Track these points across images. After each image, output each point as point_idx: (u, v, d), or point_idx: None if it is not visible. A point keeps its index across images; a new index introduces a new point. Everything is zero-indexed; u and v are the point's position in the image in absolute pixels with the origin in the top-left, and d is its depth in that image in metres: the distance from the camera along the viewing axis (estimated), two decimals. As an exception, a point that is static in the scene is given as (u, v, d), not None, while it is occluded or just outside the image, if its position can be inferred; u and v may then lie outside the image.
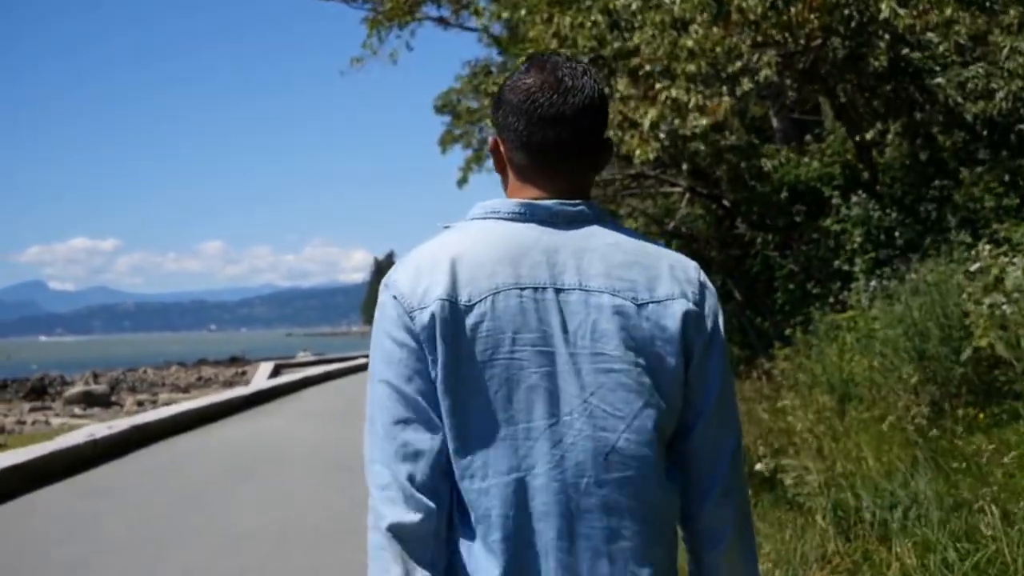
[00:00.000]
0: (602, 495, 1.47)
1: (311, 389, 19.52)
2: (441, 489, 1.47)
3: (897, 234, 8.71)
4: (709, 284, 1.58)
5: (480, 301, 1.47)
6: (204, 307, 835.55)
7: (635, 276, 1.51)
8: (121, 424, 10.40)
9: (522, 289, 1.48)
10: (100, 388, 23.87)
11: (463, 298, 1.47)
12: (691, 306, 1.52)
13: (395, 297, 1.51)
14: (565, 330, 1.47)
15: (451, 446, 1.48)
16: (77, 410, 20.51)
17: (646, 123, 7.91)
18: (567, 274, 1.49)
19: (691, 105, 8.06)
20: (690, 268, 1.57)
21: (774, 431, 6.31)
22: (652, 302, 1.50)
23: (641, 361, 1.48)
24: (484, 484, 1.47)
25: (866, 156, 9.44)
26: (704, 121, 8.03)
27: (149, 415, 11.66)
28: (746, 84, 8.48)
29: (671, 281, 1.52)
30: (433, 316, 1.46)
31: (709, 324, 1.54)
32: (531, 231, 1.51)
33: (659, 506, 1.51)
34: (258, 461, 9.32)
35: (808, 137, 11.29)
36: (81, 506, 7.43)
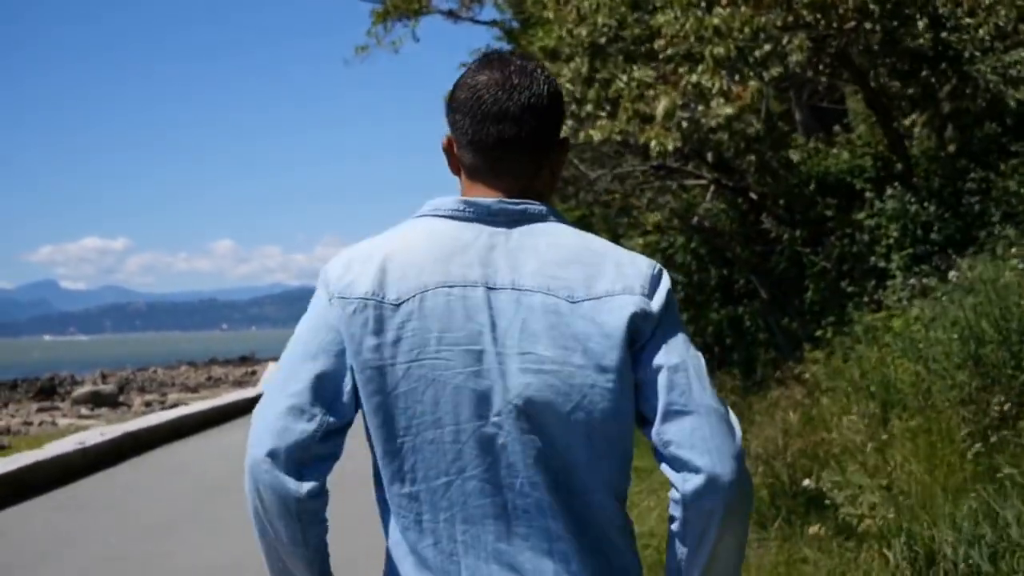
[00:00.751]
0: (536, 496, 1.43)
1: None
2: (311, 468, 1.44)
3: (935, 229, 8.16)
4: (665, 279, 1.52)
5: (408, 300, 1.45)
6: (215, 306, 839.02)
7: (572, 274, 1.47)
8: (114, 431, 9.87)
9: (451, 287, 1.45)
10: (108, 388, 23.78)
11: (391, 296, 1.45)
12: (636, 298, 1.46)
13: (323, 282, 1.51)
14: (494, 329, 1.44)
15: (377, 450, 1.47)
16: (84, 410, 20.34)
17: (659, 110, 7.37)
18: (500, 273, 1.46)
19: (715, 91, 7.52)
20: (642, 264, 1.52)
21: (813, 441, 5.77)
22: (589, 299, 1.45)
23: (574, 360, 1.43)
24: (413, 489, 1.45)
25: (899, 146, 8.88)
26: (729, 109, 7.49)
27: (146, 420, 11.15)
28: (774, 69, 7.93)
29: (615, 277, 1.48)
30: (355, 311, 1.45)
31: (657, 311, 1.47)
32: (469, 230, 1.49)
33: (597, 507, 1.46)
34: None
35: (837, 127, 10.73)
36: (62, 523, 6.91)
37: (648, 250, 11.77)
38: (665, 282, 1.53)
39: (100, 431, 9.71)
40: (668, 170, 8.80)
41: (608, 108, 8.33)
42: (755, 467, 5.64)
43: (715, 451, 1.43)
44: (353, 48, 14.50)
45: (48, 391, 26.25)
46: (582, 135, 7.99)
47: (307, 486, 1.44)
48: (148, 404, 21.59)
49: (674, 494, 1.46)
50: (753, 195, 9.01)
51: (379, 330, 1.45)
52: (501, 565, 1.44)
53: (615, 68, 8.23)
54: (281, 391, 1.47)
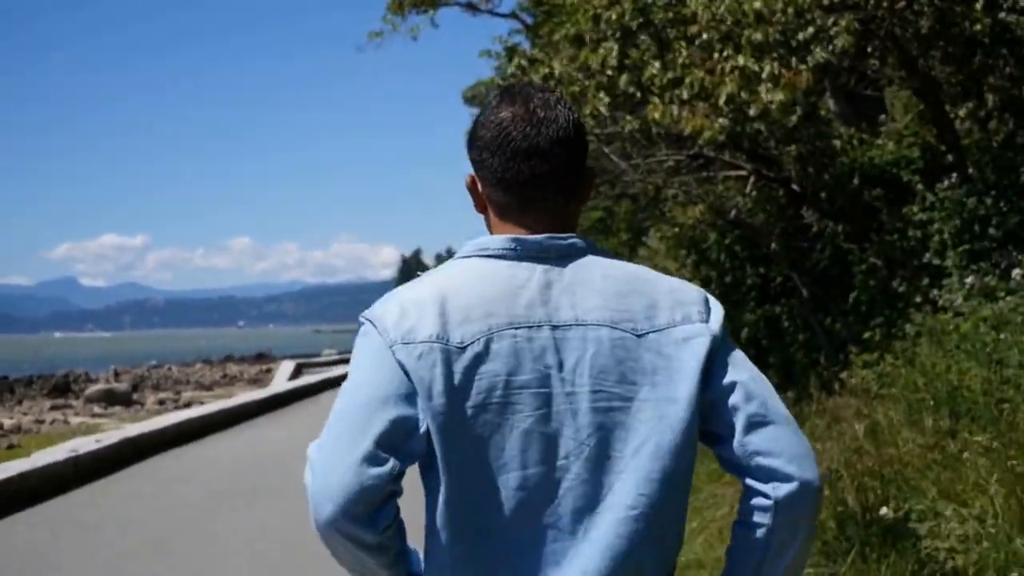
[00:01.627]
0: (601, 539, 1.41)
1: (330, 393, 18.50)
2: (384, 507, 1.41)
3: (994, 223, 7.59)
4: (713, 300, 1.56)
5: (473, 343, 1.42)
6: (233, 303, 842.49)
7: (632, 305, 1.47)
8: (111, 437, 9.25)
9: (517, 329, 1.43)
10: (122, 386, 23.78)
11: (455, 339, 1.42)
12: (697, 327, 1.48)
13: (379, 331, 1.45)
14: (562, 368, 1.43)
15: (436, 497, 1.43)
16: (97, 409, 20.32)
17: (722, 96, 6.83)
18: (563, 310, 1.45)
19: (764, 75, 6.98)
20: (691, 289, 1.55)
21: (880, 459, 5.22)
22: (653, 331, 1.46)
23: (643, 394, 1.44)
24: (475, 536, 1.41)
25: (950, 136, 8.31)
26: (780, 96, 6.93)
27: (147, 424, 10.52)
28: (819, 54, 7.38)
29: (671, 306, 1.49)
30: (422, 355, 1.41)
31: (719, 334, 1.49)
32: (523, 268, 1.47)
33: (663, 547, 1.46)
34: (262, 483, 8.20)
35: (883, 116, 10.16)
36: (46, 543, 6.30)
37: (679, 248, 11.22)
38: (716, 304, 1.55)
39: (96, 438, 9.03)
40: (705, 160, 8.23)
41: (639, 95, 7.83)
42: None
43: (802, 458, 1.46)
44: (367, 34, 13.99)
45: (63, 388, 26.36)
46: (627, 122, 7.48)
47: (382, 526, 1.42)
48: (162, 402, 21.75)
49: (763, 502, 1.46)
50: (796, 187, 8.45)
51: (447, 374, 1.40)
52: None
53: (647, 52, 7.72)
54: (352, 440, 1.41)
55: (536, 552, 1.42)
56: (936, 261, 7.61)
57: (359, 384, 1.45)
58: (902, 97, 10.90)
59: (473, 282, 1.47)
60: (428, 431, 1.41)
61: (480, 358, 1.42)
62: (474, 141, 1.56)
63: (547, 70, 8.02)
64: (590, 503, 1.42)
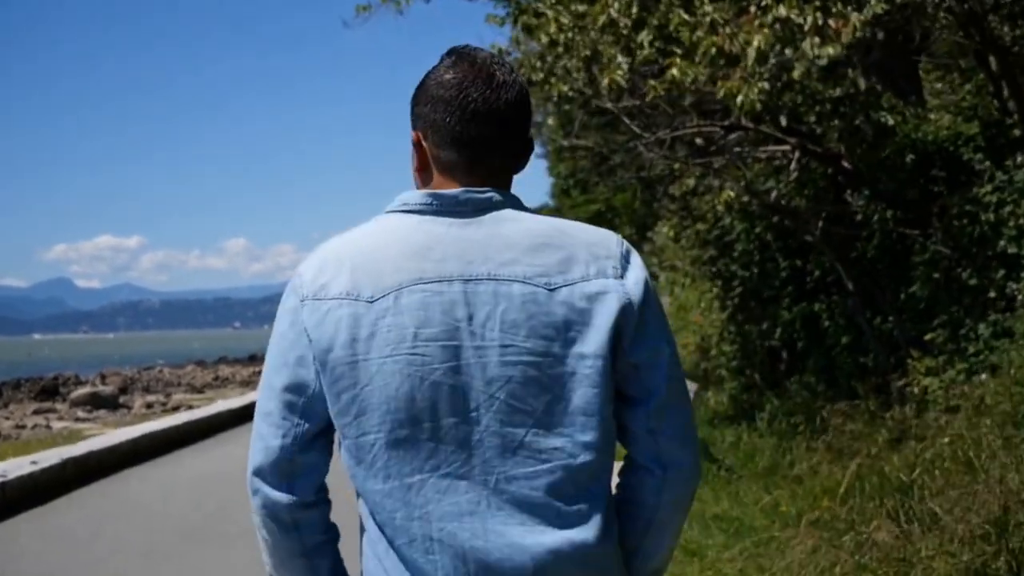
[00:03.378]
0: (512, 491, 1.43)
1: None
2: (299, 479, 1.49)
3: (1078, 206, 6.51)
4: (634, 255, 1.54)
5: (383, 297, 1.45)
6: (228, 304, 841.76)
7: (546, 259, 1.47)
8: (49, 457, 7.82)
9: (427, 283, 1.45)
10: (107, 389, 23.35)
11: (365, 294, 1.45)
12: (611, 282, 1.47)
13: (295, 285, 1.51)
14: (471, 322, 1.44)
15: (348, 447, 1.47)
16: (81, 413, 19.56)
17: (751, 53, 5.73)
18: (475, 264, 1.46)
19: (807, 27, 5.87)
20: (611, 242, 1.53)
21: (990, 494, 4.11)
22: (565, 285, 1.46)
23: (555, 349, 1.44)
24: (386, 486, 1.44)
25: (1021, 108, 7.21)
26: (831, 50, 5.83)
27: (98, 441, 9.10)
28: (876, 3, 6.26)
29: (587, 260, 1.49)
30: (328, 311, 1.45)
31: (638, 295, 1.49)
32: (438, 223, 1.49)
33: (576, 498, 1.45)
34: (220, 520, 6.89)
35: (940, 86, 9.04)
36: None
37: (699, 240, 10.08)
38: (637, 260, 1.54)
39: (32, 459, 7.51)
40: (742, 131, 7.09)
41: (660, 58, 6.74)
42: (939, 542, 3.88)
43: (692, 442, 1.55)
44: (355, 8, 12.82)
45: (50, 391, 25.59)
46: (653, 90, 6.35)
47: (296, 497, 1.49)
48: (150, 406, 21.07)
49: (650, 480, 1.53)
50: (847, 164, 7.31)
51: (354, 326, 1.44)
52: (478, 564, 1.42)
53: (670, 5, 6.61)
54: (259, 407, 1.52)
55: (450, 502, 1.42)
56: (1012, 249, 6.53)
57: (269, 348, 1.53)
58: (938, 74, 9.81)
59: (389, 238, 1.49)
60: (322, 390, 1.46)
61: (388, 311, 1.44)
62: (425, 99, 1.54)
63: (554, 28, 6.92)
64: (501, 455, 1.43)
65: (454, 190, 1.50)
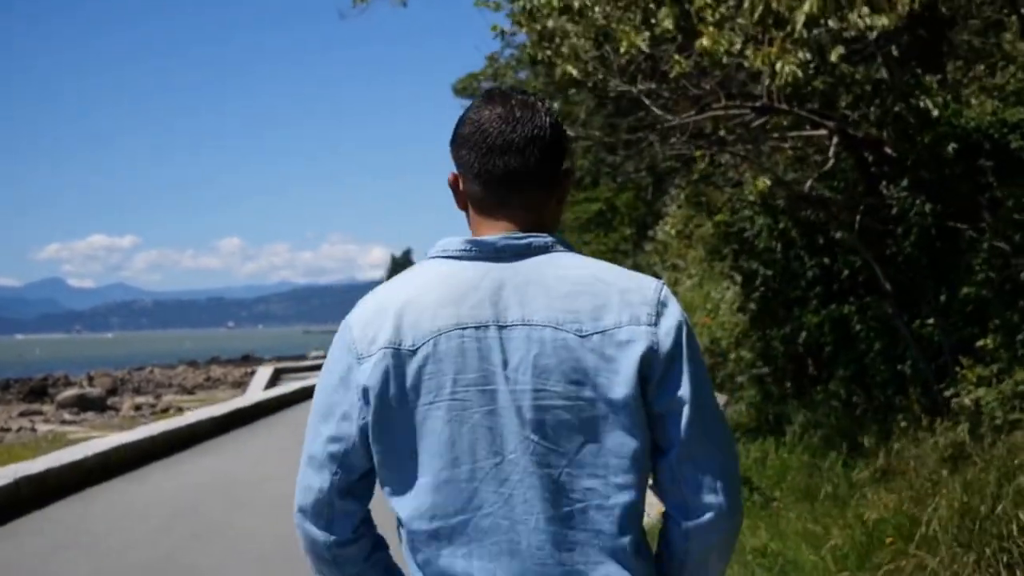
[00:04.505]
0: (551, 532, 1.47)
1: (305, 405, 16.32)
2: (337, 521, 1.56)
3: None
4: (672, 303, 1.55)
5: (423, 345, 1.49)
6: (222, 304, 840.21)
7: (580, 306, 1.50)
8: (2, 476, 6.95)
9: (463, 329, 1.48)
10: (95, 391, 23.24)
11: (407, 343, 1.50)
12: (642, 329, 1.49)
13: (348, 341, 1.56)
14: (506, 367, 1.48)
15: (393, 491, 1.52)
16: (68, 415, 19.41)
17: (799, 19, 5.02)
18: (510, 310, 1.50)
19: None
20: (647, 289, 1.54)
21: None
22: (596, 332, 1.49)
23: (585, 394, 1.47)
24: (431, 526, 1.48)
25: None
26: (884, 20, 5.13)
27: (60, 456, 8.24)
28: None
29: (620, 307, 1.50)
30: (376, 364, 1.50)
31: (668, 343, 1.50)
32: (476, 269, 1.53)
33: (614, 538, 1.49)
34: (197, 538, 6.14)
35: (982, 67, 8.33)
36: None
37: (719, 234, 9.34)
38: (674, 307, 1.54)
39: None
40: (776, 113, 6.35)
41: (681, 36, 6.04)
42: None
43: (724, 487, 1.52)
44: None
45: (39, 392, 25.85)
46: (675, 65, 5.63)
47: (335, 537, 1.57)
48: (139, 407, 20.76)
49: (677, 527, 1.54)
50: (891, 152, 6.58)
51: (399, 376, 1.49)
52: None
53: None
54: (307, 447, 1.58)
55: (492, 541, 1.47)
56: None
57: (317, 393, 1.60)
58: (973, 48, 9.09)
59: (429, 285, 1.54)
60: (366, 440, 1.52)
61: (429, 359, 1.48)
62: (455, 138, 1.60)
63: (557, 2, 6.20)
64: (538, 496, 1.46)
65: (492, 237, 1.53)
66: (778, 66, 5.33)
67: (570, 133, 9.41)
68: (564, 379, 1.46)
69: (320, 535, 1.55)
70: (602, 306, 1.49)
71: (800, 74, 5.20)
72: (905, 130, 6.68)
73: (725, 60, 5.63)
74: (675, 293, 8.90)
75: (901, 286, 7.17)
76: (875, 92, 6.52)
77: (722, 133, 6.87)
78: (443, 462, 1.47)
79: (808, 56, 5.38)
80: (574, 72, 6.54)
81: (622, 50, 5.72)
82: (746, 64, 5.55)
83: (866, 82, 6.39)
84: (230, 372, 34.84)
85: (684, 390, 1.49)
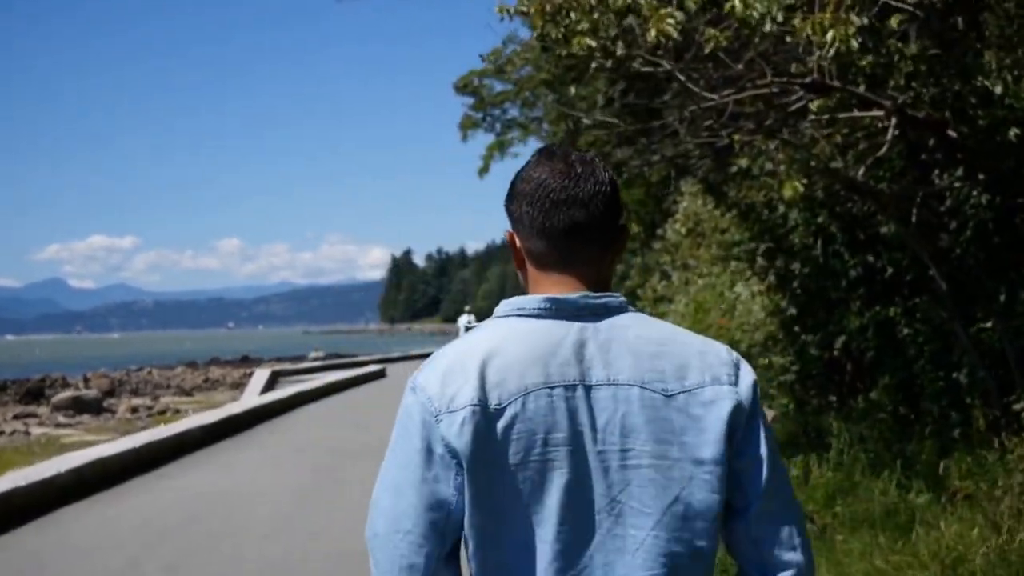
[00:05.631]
0: None
1: (302, 411, 15.59)
2: None
3: None
4: (744, 364, 1.57)
5: (511, 403, 1.47)
6: (222, 304, 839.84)
7: (663, 366, 1.50)
8: None
9: (552, 388, 1.48)
10: (91, 393, 22.77)
11: (493, 401, 1.47)
12: (725, 389, 1.50)
13: (422, 401, 1.51)
14: (594, 428, 1.47)
15: (480, 557, 1.48)
16: (62, 418, 19.07)
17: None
18: (594, 369, 1.49)
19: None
20: (721, 350, 1.56)
21: None
22: (682, 392, 1.49)
23: (672, 454, 1.47)
24: None
25: None
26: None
27: (30, 473, 7.44)
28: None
29: (702, 368, 1.51)
30: (463, 422, 1.46)
31: (748, 402, 1.52)
32: (558, 327, 1.52)
33: None
34: (174, 571, 5.42)
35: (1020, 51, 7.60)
36: None
37: (748, 234, 8.61)
38: (747, 369, 1.56)
39: None
40: (827, 91, 5.64)
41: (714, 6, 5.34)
42: None
43: (799, 546, 1.52)
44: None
45: (36, 394, 25.26)
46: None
47: None
48: (135, 410, 20.46)
49: None
50: (954, 133, 5.86)
51: (487, 437, 1.46)
52: None
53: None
54: (394, 524, 1.49)
55: None
56: None
57: (397, 459, 1.51)
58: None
59: (510, 342, 1.51)
60: (462, 503, 1.46)
61: (517, 418, 1.46)
62: (513, 195, 1.60)
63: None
64: (622, 558, 1.45)
65: (572, 296, 1.52)
66: (830, 35, 4.63)
67: (585, 121, 8.72)
68: (652, 438, 1.46)
69: None
70: (684, 366, 1.50)
71: (855, 44, 4.49)
72: (963, 111, 5.98)
73: (768, 28, 4.91)
74: (686, 293, 8.10)
75: (956, 285, 6.47)
76: (931, 70, 5.82)
77: (757, 110, 6.13)
78: (533, 524, 1.45)
79: (865, 21, 4.67)
80: (592, 43, 5.81)
81: (650, 36, 5.01)
82: (788, 39, 4.84)
83: (922, 58, 5.69)
84: (229, 373, 34.48)
85: (763, 448, 1.50)
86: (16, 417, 19.53)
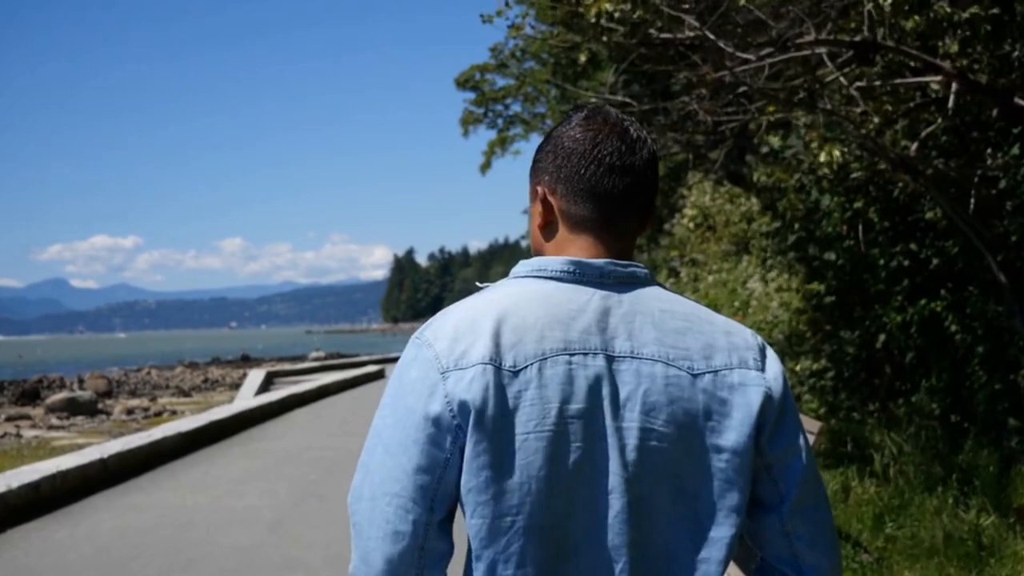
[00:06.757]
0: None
1: (291, 415, 14.88)
2: (429, 569, 1.39)
3: None
4: (769, 349, 1.50)
5: (527, 367, 1.38)
6: (224, 304, 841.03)
7: (689, 343, 1.43)
8: None
9: (572, 355, 1.39)
10: (85, 394, 22.15)
11: (507, 362, 1.38)
12: (752, 374, 1.43)
13: (428, 356, 1.40)
14: (615, 402, 1.39)
15: (478, 526, 1.37)
16: (56, 420, 18.53)
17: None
18: (619, 339, 1.41)
19: None
20: (747, 333, 1.50)
21: None
22: (708, 372, 1.42)
23: (691, 437, 1.39)
24: (521, 572, 1.37)
25: None
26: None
27: None
28: None
29: (728, 349, 1.44)
30: (473, 379, 1.36)
31: (779, 391, 1.44)
32: (580, 292, 1.44)
33: None
34: None
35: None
36: None
37: (783, 219, 7.86)
38: (773, 355, 1.50)
39: None
40: (879, 50, 4.90)
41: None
42: None
43: (831, 546, 1.46)
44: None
45: (32, 395, 24.82)
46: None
47: None
48: (131, 411, 19.95)
49: None
50: (1022, 101, 5.12)
51: (498, 400, 1.36)
52: None
53: None
54: (381, 487, 1.39)
55: None
56: None
57: (391, 416, 1.41)
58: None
59: (529, 303, 1.42)
60: (457, 469, 1.37)
61: (532, 383, 1.37)
62: (555, 153, 1.50)
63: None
64: (631, 542, 1.37)
65: (599, 261, 1.44)
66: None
67: (593, 99, 8.03)
68: (673, 420, 1.37)
69: None
70: (711, 345, 1.42)
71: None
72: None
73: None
74: (695, 290, 7.41)
75: (1015, 276, 5.74)
76: (992, 33, 5.09)
77: (783, 85, 5.38)
78: (541, 501, 1.34)
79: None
80: (608, 7, 5.12)
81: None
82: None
83: (983, 19, 4.96)
84: (228, 373, 34.09)
85: (799, 440, 1.43)
86: (9, 419, 19.05)
